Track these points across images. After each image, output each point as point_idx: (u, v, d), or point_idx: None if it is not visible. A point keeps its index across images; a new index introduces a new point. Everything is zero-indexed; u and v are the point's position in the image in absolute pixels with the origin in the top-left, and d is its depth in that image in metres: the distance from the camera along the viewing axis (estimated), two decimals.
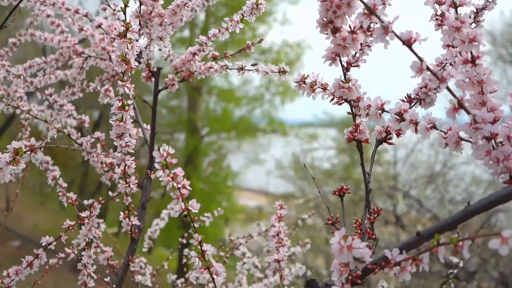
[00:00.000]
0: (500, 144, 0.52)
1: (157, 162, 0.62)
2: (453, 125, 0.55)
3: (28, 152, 0.66)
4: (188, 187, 0.63)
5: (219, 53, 0.99)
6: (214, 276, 0.65)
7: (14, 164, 0.67)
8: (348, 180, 8.14)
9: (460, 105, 0.51)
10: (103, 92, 1.17)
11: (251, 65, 0.94)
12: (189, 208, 0.64)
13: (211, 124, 11.53)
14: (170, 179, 0.62)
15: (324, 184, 8.50)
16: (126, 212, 0.96)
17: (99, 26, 1.06)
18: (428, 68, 0.50)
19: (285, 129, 11.37)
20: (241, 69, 0.94)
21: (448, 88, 0.51)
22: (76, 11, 1.09)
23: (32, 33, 1.27)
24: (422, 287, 6.26)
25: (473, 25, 0.72)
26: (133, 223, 0.98)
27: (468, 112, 0.51)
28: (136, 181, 0.91)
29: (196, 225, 0.68)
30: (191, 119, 11.10)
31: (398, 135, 0.68)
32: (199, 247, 0.65)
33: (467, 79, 0.55)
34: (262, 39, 1.01)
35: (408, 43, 0.51)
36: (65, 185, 1.10)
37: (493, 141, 0.52)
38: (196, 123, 11.20)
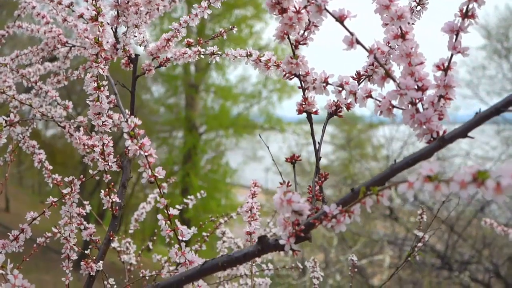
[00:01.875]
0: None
1: (125, 132, 0.68)
2: (386, 94, 0.61)
3: (8, 127, 0.72)
4: (155, 155, 0.70)
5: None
6: (179, 237, 0.71)
7: None
8: (344, 174, 8.21)
9: (387, 74, 0.57)
10: (87, 79, 1.23)
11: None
12: (156, 174, 0.70)
13: (209, 122, 11.60)
14: (138, 148, 0.69)
15: None
16: (107, 190, 1.03)
17: (81, 16, 1.12)
18: (357, 41, 0.57)
19: (283, 126, 11.44)
20: (212, 54, 1.00)
21: (376, 59, 0.57)
22: (59, 2, 1.15)
23: (19, 24, 1.33)
24: (416, 279, 6.34)
25: (418, 7, 0.78)
26: (114, 200, 1.04)
27: (394, 80, 0.57)
28: (114, 160, 0.97)
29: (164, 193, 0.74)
30: (189, 117, 11.16)
31: (348, 108, 0.74)
32: (166, 211, 0.72)
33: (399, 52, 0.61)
34: (234, 26, 1.07)
35: (340, 19, 0.57)
36: (50, 167, 1.16)
37: (420, 105, 0.59)
38: (194, 121, 11.27)
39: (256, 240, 0.64)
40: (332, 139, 10.20)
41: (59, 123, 1.06)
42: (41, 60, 1.26)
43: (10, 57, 1.25)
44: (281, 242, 0.61)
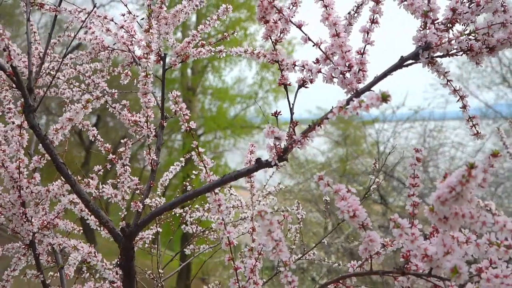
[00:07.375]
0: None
1: (171, 100, 1.09)
2: (328, 69, 1.03)
3: (95, 100, 1.13)
4: (189, 114, 1.11)
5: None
6: (206, 165, 1.12)
7: (85, 108, 1.15)
8: (341, 169, 8.64)
9: (327, 57, 0.99)
10: (124, 74, 1.64)
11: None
12: (190, 126, 1.11)
13: (207, 123, 12.00)
14: (178, 109, 1.10)
15: None
16: (148, 150, 1.44)
17: (122, 27, 1.54)
18: (309, 38, 0.98)
19: (280, 126, 11.83)
20: (220, 51, 1.42)
21: (320, 49, 0.99)
22: (105, 17, 1.56)
23: (69, 34, 1.75)
24: None
25: (355, 14, 1.19)
26: (153, 158, 1.45)
27: (331, 61, 0.99)
28: (155, 127, 1.38)
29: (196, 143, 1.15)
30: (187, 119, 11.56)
31: (311, 82, 1.15)
32: (197, 150, 1.13)
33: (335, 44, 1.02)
34: (234, 31, 1.48)
35: (299, 26, 0.98)
36: (102, 140, 1.57)
37: (348, 75, 1.00)
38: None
39: (254, 161, 1.05)
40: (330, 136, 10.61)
41: (111, 105, 1.47)
42: (90, 60, 1.67)
43: (67, 58, 1.66)
44: (269, 159, 1.02)
